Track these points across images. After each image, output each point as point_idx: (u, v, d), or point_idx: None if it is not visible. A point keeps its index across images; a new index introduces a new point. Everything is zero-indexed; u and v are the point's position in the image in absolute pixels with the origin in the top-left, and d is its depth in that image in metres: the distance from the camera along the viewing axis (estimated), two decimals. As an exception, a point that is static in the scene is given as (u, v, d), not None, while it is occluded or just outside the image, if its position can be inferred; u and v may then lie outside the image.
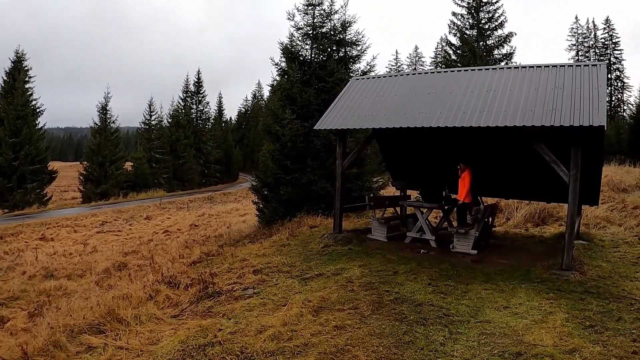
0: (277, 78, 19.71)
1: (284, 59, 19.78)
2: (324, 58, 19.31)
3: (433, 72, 11.97)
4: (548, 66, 10.59)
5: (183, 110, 62.07)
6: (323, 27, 19.68)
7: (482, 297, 7.92)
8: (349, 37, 19.89)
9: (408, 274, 9.24)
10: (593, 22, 63.56)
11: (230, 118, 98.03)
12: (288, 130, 17.30)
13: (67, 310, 9.05)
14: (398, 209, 13.54)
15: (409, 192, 14.86)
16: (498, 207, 12.72)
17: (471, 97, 10.40)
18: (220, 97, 71.26)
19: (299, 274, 9.90)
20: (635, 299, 7.91)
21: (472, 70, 11.58)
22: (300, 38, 19.75)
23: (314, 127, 12.35)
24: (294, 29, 19.74)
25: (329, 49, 19.49)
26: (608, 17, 62.62)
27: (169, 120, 60.18)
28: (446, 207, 12.03)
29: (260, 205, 18.85)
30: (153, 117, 60.37)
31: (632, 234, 13.01)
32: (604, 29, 63.49)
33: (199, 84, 65.52)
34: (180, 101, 64.68)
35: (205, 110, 65.62)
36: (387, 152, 14.30)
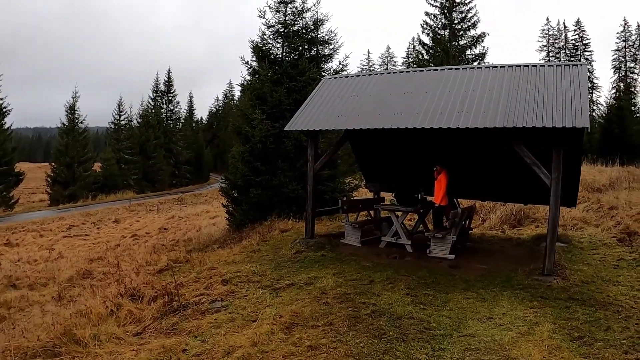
0: (248, 77, 19.02)
1: (255, 58, 19.10)
2: (296, 57, 18.69)
3: (409, 72, 11.52)
4: (528, 66, 10.19)
5: (153, 110, 60.69)
6: (295, 25, 19.05)
7: (463, 307, 7.42)
8: (321, 35, 19.32)
9: (385, 282, 8.70)
10: (564, 23, 64.55)
11: (202, 118, 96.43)
12: (258, 131, 16.63)
13: (21, 331, 8.26)
14: (372, 212, 13.02)
15: (383, 194, 14.39)
16: (475, 209, 12.32)
17: (449, 97, 9.93)
18: (191, 97, 69.68)
19: (270, 283, 9.31)
20: (621, 306, 7.53)
21: (449, 69, 11.13)
22: (271, 36, 19.09)
23: (285, 128, 11.74)
24: (265, 26, 19.07)
25: (301, 48, 18.87)
26: (579, 19, 63.59)
27: (139, 120, 58.80)
28: (422, 210, 11.56)
29: (230, 209, 18.13)
30: (122, 117, 58.97)
31: (609, 235, 12.74)
32: (575, 30, 64.45)
33: (169, 83, 64.16)
34: (150, 101, 63.29)
35: (176, 110, 64.36)
36: (360, 153, 13.77)
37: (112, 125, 58.47)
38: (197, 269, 11.31)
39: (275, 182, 16.19)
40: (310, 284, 8.95)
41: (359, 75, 12.33)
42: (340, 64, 19.07)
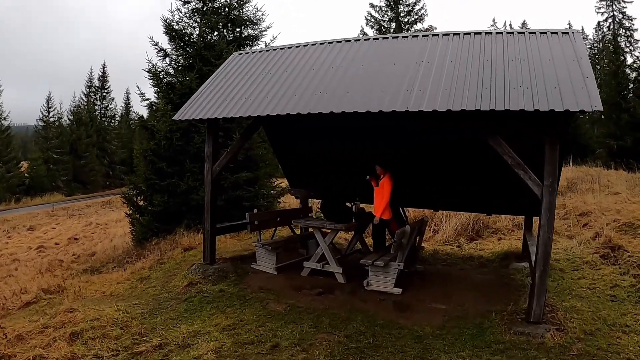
0: (158, 61, 15.38)
1: (168, 39, 15.50)
2: (214, 38, 15.25)
3: (341, 42, 8.32)
4: (501, 33, 7.23)
5: (86, 107, 55.24)
6: (215, 0, 15.61)
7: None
8: (245, 14, 15.95)
9: (295, 348, 5.48)
10: (510, 24, 62.69)
11: (143, 116, 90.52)
12: (163, 124, 13.13)
13: None
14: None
15: (313, 202, 11.22)
16: (426, 222, 9.23)
17: (394, 71, 6.81)
18: (128, 93, 63.35)
19: (131, 343, 6.16)
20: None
21: (394, 37, 8.03)
22: (187, 14, 15.55)
23: (174, 118, 8.38)
24: (181, 2, 15.53)
25: (221, 27, 15.43)
26: (525, 20, 61.79)
27: (70, 117, 53.34)
28: (358, 225, 8.40)
29: (134, 219, 14.47)
30: (51, 114, 53.35)
31: (589, 250, 9.90)
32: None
33: (104, 78, 58.41)
34: (83, 97, 57.73)
35: (111, 107, 58.73)
36: (280, 150, 10.47)
37: (40, 123, 52.86)
38: (56, 309, 8.01)
39: (184, 186, 12.73)
40: (186, 348, 5.70)
41: (276, 49, 9.02)
42: (267, 46, 15.70)
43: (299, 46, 8.67)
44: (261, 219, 8.51)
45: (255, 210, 8.69)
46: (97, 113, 56.63)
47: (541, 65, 6.21)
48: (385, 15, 36.18)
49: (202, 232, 11.63)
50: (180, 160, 13.11)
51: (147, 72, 14.94)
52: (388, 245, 8.27)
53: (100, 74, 58.93)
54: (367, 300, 6.95)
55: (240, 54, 9.47)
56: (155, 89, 14.44)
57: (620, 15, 48.86)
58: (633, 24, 49.48)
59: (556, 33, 6.99)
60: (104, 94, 58.23)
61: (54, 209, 37.34)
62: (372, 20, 36.34)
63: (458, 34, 7.39)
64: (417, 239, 8.39)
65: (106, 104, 57.85)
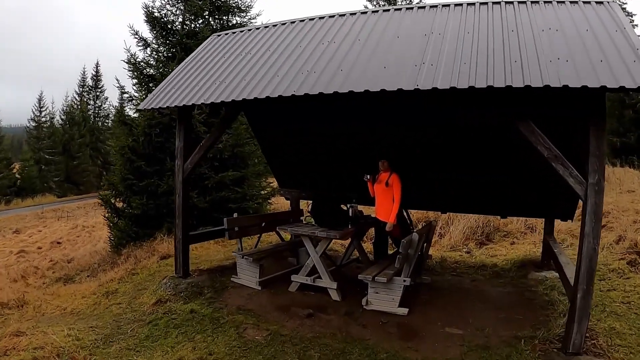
0: (137, 51, 14.06)
1: (149, 28, 14.17)
2: (199, 25, 13.94)
3: (333, 16, 7.01)
4: (524, 2, 5.92)
5: (79, 106, 53.67)
6: (202, -14, 14.29)
7: None
8: (233, 0, 14.64)
9: (274, 398, 4.21)
10: None
11: (121, 110, 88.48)
12: (141, 118, 11.84)
13: None
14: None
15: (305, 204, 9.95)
16: (434, 227, 7.89)
17: (396, 44, 5.54)
18: (123, 92, 61.98)
19: None
20: None
21: (396, 10, 6.69)
22: (170, 1, 14.22)
23: (139, 107, 7.10)
24: (164, -12, 14.19)
25: (206, 15, 14.13)
26: None
27: (62, 117, 51.79)
28: (356, 231, 7.10)
29: (112, 223, 13.14)
30: (43, 114, 51.82)
31: (615, 255, 8.65)
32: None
33: (97, 77, 56.66)
34: (76, 96, 56.09)
35: (104, 106, 57.00)
36: (266, 143, 9.16)
37: (31, 123, 51.30)
38: (2, 330, 6.76)
39: (164, 187, 11.41)
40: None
41: (259, 28, 7.72)
42: (249, 25, 14.38)
43: (285, 23, 7.38)
44: (242, 224, 7.23)
45: (234, 215, 7.38)
46: (90, 113, 55.08)
47: (579, 36, 4.95)
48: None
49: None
50: (160, 159, 11.81)
51: (127, 62, 13.64)
52: (391, 254, 7.02)
53: (94, 73, 57.36)
54: (366, 325, 5.67)
55: (219, 35, 8.18)
56: (135, 81, 13.12)
57: (620, 11, 47.46)
58: (632, 20, 48.33)
59: (589, 2, 5.73)
60: (97, 93, 56.57)
61: (43, 210, 35.98)
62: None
63: (473, 4, 6.10)
64: (424, 247, 7.11)
65: (100, 104, 56.19)
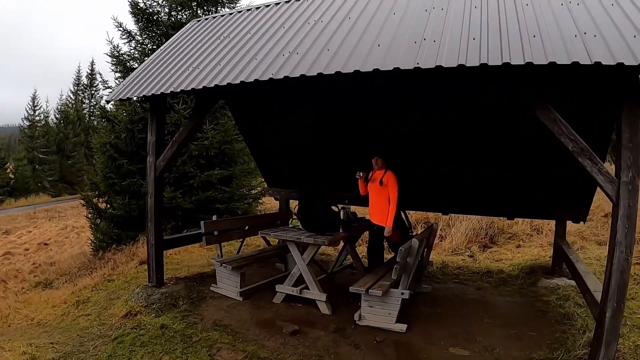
0: (122, 45, 13.30)
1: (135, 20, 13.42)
2: (185, 17, 13.19)
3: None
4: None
5: (74, 105, 52.78)
6: (192, -24, 13.53)
7: None
8: (224, -9, 13.89)
9: None
10: None
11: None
12: (123, 113, 11.10)
13: None
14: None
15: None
16: (436, 230, 7.10)
17: (392, 20, 4.76)
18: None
19: None
20: None
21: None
22: (159, -8, 13.46)
23: (106, 99, 6.39)
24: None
25: (193, 6, 13.37)
26: None
27: (57, 116, 50.91)
28: (348, 235, 6.33)
29: (94, 224, 12.39)
30: (37, 113, 50.91)
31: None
32: None
33: (92, 75, 55.71)
34: (71, 95, 55.20)
35: (100, 105, 56.01)
36: (250, 137, 8.40)
37: (25, 122, 50.43)
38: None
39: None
40: None
41: (241, 12, 6.96)
42: (231, 9, 13.64)
43: (269, 5, 6.62)
44: (223, 227, 6.47)
45: (214, 217, 6.62)
46: (85, 111, 54.28)
47: (604, 10, 4.20)
48: None
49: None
50: (143, 156, 10.97)
51: (110, 56, 12.90)
52: (388, 261, 6.28)
53: (89, 71, 56.49)
54: (358, 344, 4.91)
55: (199, 21, 7.44)
56: (118, 74, 12.37)
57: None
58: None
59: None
60: (93, 91, 55.75)
61: (35, 211, 35.19)
62: None
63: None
64: (425, 252, 6.36)
65: (95, 102, 55.28)
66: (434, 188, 7.14)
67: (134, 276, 8.24)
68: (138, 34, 13.04)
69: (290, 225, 6.43)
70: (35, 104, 50.77)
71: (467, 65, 3.50)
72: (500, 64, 3.46)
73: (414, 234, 6.68)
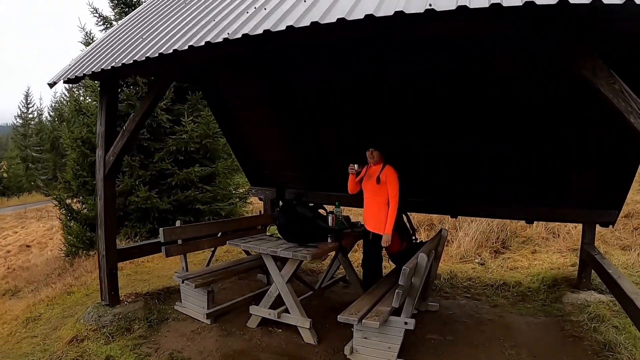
0: (97, 32, 12.19)
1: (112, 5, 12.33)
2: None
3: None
4: None
5: (68, 102, 51.64)
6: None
7: None
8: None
9: None
10: None
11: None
12: (95, 105, 10.04)
13: None
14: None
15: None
16: (445, 238, 5.90)
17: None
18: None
19: None
20: None
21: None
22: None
23: (48, 82, 5.25)
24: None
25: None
26: None
27: (51, 113, 49.79)
28: (338, 245, 5.16)
29: (66, 227, 11.28)
30: (30, 110, 49.78)
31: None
32: None
33: (87, 72, 54.79)
34: (66, 92, 54.04)
35: (75, 97, 54.60)
36: (227, 129, 7.28)
37: (18, 120, 49.27)
38: None
39: (121, 185, 9.58)
40: None
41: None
42: None
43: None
44: (188, 235, 5.36)
45: (177, 222, 5.49)
46: (80, 108, 53.05)
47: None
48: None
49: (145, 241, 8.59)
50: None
51: (83, 44, 11.85)
52: (388, 275, 5.18)
53: (85, 67, 55.26)
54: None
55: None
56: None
57: None
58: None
59: None
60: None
61: (26, 210, 34.17)
62: None
63: None
64: (432, 265, 5.22)
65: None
66: (438, 188, 6.04)
67: (95, 288, 7.15)
68: (115, 19, 11.96)
69: (267, 233, 5.31)
70: (29, 101, 49.68)
71: (504, 4, 2.40)
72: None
73: (418, 241, 5.57)
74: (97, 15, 12.11)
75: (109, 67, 4.14)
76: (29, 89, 53.28)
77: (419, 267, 3.74)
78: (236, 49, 3.45)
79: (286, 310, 4.63)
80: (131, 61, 3.88)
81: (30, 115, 49.75)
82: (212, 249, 5.99)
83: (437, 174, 6.02)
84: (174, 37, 3.82)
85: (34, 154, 47.21)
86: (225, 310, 5.28)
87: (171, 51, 3.45)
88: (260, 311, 4.77)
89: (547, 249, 8.47)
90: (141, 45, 4.16)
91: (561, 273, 6.79)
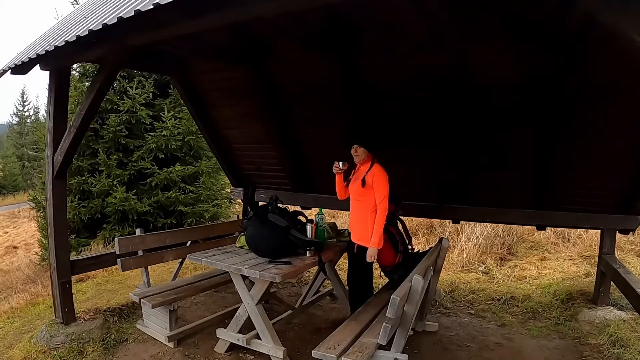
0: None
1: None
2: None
3: None
4: None
5: (65, 100, 51.15)
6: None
7: None
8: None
9: None
10: None
11: None
12: (71, 99, 9.38)
13: None
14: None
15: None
16: (446, 249, 5.18)
17: None
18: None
19: None
20: None
21: None
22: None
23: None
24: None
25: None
26: None
27: (47, 111, 49.28)
28: (318, 256, 4.42)
29: (43, 230, 10.67)
30: (27, 108, 49.26)
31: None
32: None
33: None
34: (62, 90, 53.50)
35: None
36: (203, 124, 6.58)
37: (14, 118, 48.75)
38: None
39: (99, 186, 8.94)
40: None
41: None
42: None
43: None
44: (148, 245, 4.68)
45: (137, 230, 4.81)
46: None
47: None
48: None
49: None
50: (95, 150, 9.32)
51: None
52: (379, 291, 4.49)
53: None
54: None
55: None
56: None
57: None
58: None
59: None
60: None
61: (20, 209, 33.57)
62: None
63: None
64: (430, 282, 4.51)
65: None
66: (439, 177, 5.38)
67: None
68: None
69: (237, 245, 4.61)
70: (24, 99, 49.16)
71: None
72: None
73: (414, 251, 4.89)
74: (76, 4, 11.44)
75: (53, 48, 3.47)
76: (24, 87, 52.83)
77: (412, 293, 3.05)
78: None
79: (257, 336, 3.94)
80: (63, 43, 3.21)
81: (27, 113, 49.22)
82: (180, 260, 5.30)
83: (438, 174, 5.36)
84: (119, 9, 3.15)
85: (30, 152, 46.65)
86: (192, 331, 4.61)
87: (115, 20, 2.77)
88: (228, 335, 4.09)
89: (557, 255, 7.79)
90: (83, 24, 3.50)
91: (575, 285, 6.11)
